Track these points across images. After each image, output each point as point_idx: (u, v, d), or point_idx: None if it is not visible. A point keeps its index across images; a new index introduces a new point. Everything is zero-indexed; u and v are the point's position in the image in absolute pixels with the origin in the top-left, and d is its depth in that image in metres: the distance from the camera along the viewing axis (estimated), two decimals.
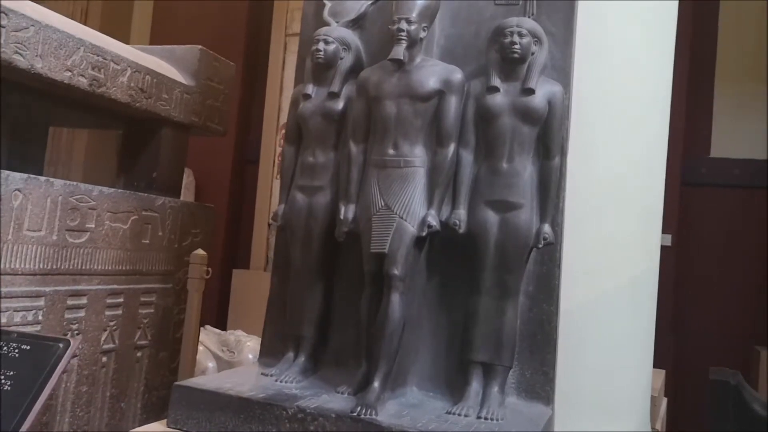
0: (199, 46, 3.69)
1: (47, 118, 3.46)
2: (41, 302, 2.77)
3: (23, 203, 2.65)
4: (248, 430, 2.23)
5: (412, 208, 2.34)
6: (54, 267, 2.81)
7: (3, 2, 2.56)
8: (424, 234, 2.34)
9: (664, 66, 3.12)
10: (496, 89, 2.38)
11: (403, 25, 2.36)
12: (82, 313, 2.96)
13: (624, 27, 2.91)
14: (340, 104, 2.60)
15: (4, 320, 2.58)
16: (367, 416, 2.14)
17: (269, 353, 2.73)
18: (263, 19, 7.85)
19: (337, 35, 2.62)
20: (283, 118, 7.00)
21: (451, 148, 2.39)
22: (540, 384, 2.38)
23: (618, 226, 2.87)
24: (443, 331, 2.48)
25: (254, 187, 7.60)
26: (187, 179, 6.88)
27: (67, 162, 4.34)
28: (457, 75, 2.42)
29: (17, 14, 2.63)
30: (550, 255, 2.42)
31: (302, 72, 2.76)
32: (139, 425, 3.10)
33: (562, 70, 2.45)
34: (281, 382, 2.46)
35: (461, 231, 2.36)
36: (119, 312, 3.17)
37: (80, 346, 2.95)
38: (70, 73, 2.88)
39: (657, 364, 3.38)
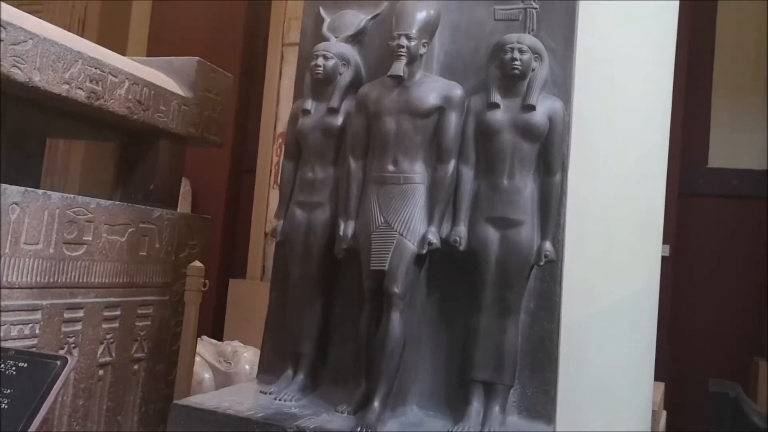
0: (197, 58, 3.69)
1: (44, 130, 3.45)
2: (38, 315, 2.75)
3: (20, 216, 2.63)
4: None
5: (412, 225, 2.33)
6: (51, 280, 2.79)
7: (1, 15, 2.55)
8: (424, 251, 2.33)
9: (664, 79, 3.13)
10: (496, 105, 2.37)
11: (403, 41, 2.36)
12: (79, 327, 2.94)
13: (624, 41, 2.92)
14: (339, 120, 2.59)
15: (1, 335, 2.57)
16: None
17: (268, 370, 2.72)
18: (260, 28, 7.83)
19: (337, 51, 2.62)
20: (280, 128, 6.98)
21: (452, 164, 2.39)
22: (541, 403, 2.37)
23: (619, 240, 2.87)
24: (443, 348, 2.47)
25: (251, 196, 7.57)
26: (184, 188, 6.86)
27: (63, 173, 4.33)
28: (457, 91, 2.41)
29: (16, 28, 2.62)
30: (551, 272, 2.40)
31: (301, 87, 2.75)
32: None
33: (562, 85, 2.44)
34: (280, 400, 2.45)
35: (462, 248, 2.35)
36: (116, 325, 3.15)
37: (76, 362, 2.93)
38: (68, 86, 2.87)
39: (656, 376, 3.36)
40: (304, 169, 2.65)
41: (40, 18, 2.90)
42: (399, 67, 2.36)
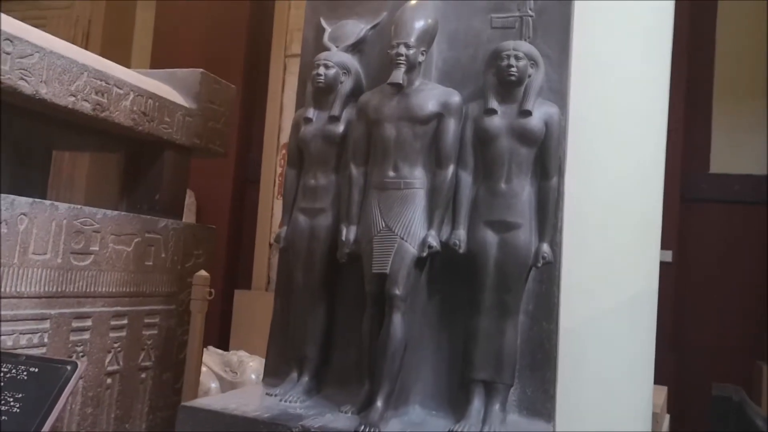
0: (200, 69, 3.73)
1: (50, 142, 3.50)
2: (47, 325, 2.79)
3: (29, 227, 2.68)
4: None
5: (412, 229, 2.37)
6: (59, 290, 2.83)
7: (8, 29, 2.60)
8: (424, 254, 2.36)
9: (661, 83, 3.16)
10: (493, 111, 2.41)
11: (402, 50, 2.39)
12: (86, 335, 2.99)
13: (620, 46, 2.95)
14: (340, 127, 2.63)
15: (10, 343, 2.61)
16: None
17: (273, 373, 2.75)
18: (263, 40, 7.89)
19: (337, 60, 2.66)
20: (283, 138, 7.04)
21: (450, 169, 2.42)
22: (541, 401, 2.39)
23: (616, 243, 2.90)
24: (444, 349, 2.50)
25: (255, 206, 7.61)
26: (189, 200, 6.90)
27: (68, 185, 4.36)
28: (456, 98, 2.45)
29: (22, 41, 2.67)
30: (549, 274, 2.44)
31: (303, 96, 2.79)
32: None
33: (558, 91, 2.48)
34: (286, 401, 2.48)
35: (461, 251, 2.39)
36: (123, 334, 3.19)
37: (85, 368, 2.97)
38: (74, 98, 2.92)
39: (659, 380, 3.38)
40: (306, 176, 2.69)
41: (44, 31, 2.95)
42: (398, 75, 2.40)
